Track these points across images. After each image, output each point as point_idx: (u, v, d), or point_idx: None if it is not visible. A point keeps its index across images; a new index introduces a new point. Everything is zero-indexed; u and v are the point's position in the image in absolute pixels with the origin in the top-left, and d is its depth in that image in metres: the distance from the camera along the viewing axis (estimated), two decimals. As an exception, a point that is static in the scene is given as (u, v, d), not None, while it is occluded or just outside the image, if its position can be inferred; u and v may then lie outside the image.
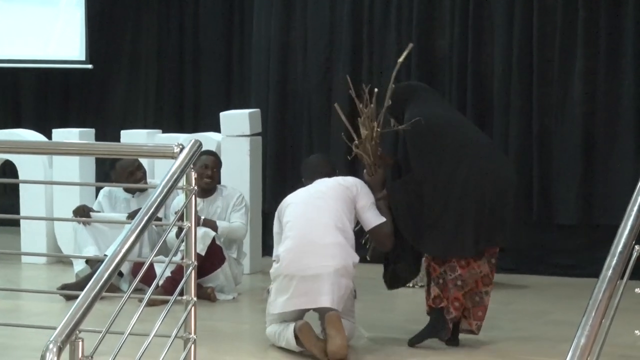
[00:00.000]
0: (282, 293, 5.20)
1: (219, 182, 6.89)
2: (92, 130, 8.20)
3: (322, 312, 5.18)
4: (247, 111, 7.80)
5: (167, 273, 6.39)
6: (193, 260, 3.48)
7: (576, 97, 7.56)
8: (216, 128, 7.87)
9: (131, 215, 6.72)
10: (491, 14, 7.83)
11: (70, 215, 7.06)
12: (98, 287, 2.68)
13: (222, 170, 6.93)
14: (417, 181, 5.27)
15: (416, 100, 5.44)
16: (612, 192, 7.45)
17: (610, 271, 2.65)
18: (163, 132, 8.30)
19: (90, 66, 9.35)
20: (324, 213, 5.24)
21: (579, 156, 7.56)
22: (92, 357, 2.59)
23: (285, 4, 8.54)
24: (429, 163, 5.27)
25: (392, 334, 5.60)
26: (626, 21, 7.49)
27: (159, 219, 6.61)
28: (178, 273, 6.23)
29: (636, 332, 3.21)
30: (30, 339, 4.72)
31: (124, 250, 2.88)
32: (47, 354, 2.39)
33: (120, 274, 6.76)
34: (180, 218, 3.49)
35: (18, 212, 7.90)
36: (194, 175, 3.46)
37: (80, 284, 6.25)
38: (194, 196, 3.45)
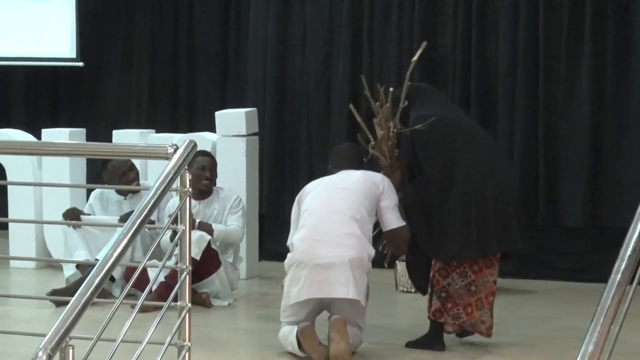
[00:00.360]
0: (295, 283, 5.22)
1: (215, 184, 6.90)
2: (83, 130, 8.20)
3: (332, 311, 5.20)
4: (243, 110, 7.80)
5: (161, 278, 6.39)
6: (188, 264, 3.48)
7: (583, 95, 7.56)
8: (211, 128, 7.86)
9: (123, 218, 6.72)
10: (495, 10, 7.83)
11: (60, 218, 7.06)
12: (89, 292, 2.68)
13: (218, 172, 6.93)
14: (427, 183, 5.33)
15: (420, 100, 5.49)
16: (620, 193, 7.46)
17: (619, 275, 2.65)
18: (156, 131, 8.30)
19: (81, 64, 9.35)
20: (344, 204, 5.27)
21: (586, 156, 7.56)
22: (83, 365, 2.59)
23: (283, -1, 8.55)
24: (435, 163, 5.34)
25: (393, 340, 5.61)
26: (635, 17, 7.49)
27: (153, 222, 6.60)
28: (172, 278, 6.22)
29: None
30: (19, 346, 4.72)
31: (116, 255, 2.88)
32: (37, 361, 2.39)
33: (112, 279, 6.76)
34: (175, 221, 3.49)
35: (6, 215, 7.90)
36: (188, 176, 3.46)
37: (70, 290, 6.25)
38: (188, 198, 3.45)
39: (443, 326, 5.37)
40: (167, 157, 3.41)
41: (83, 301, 2.64)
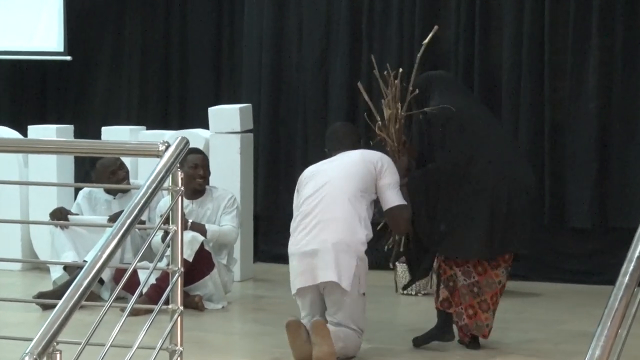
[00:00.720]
0: (292, 273, 5.40)
1: (208, 183, 6.90)
2: (70, 127, 8.19)
3: (327, 304, 5.27)
4: (237, 106, 7.80)
5: (152, 280, 6.39)
6: (180, 266, 3.48)
7: (590, 91, 7.56)
8: (204, 124, 7.87)
9: (113, 218, 6.72)
10: (500, 2, 7.83)
11: (47, 218, 7.06)
12: (77, 295, 2.68)
13: (211, 170, 6.94)
14: (437, 173, 5.39)
15: (440, 90, 5.57)
16: (629, 193, 7.46)
17: (627, 277, 2.65)
18: (147, 128, 8.29)
19: (69, 58, 9.33)
20: (337, 188, 5.35)
21: (594, 154, 7.56)
22: (70, 370, 2.59)
23: (279, -10, 8.55)
24: (450, 156, 5.40)
25: (392, 344, 5.61)
26: (644, 9, 7.50)
27: (143, 222, 6.60)
28: (163, 280, 6.22)
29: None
30: (4, 352, 4.71)
31: (105, 256, 2.88)
32: (23, 367, 2.39)
33: (101, 282, 6.76)
34: (166, 221, 3.49)
35: (-9, 215, 7.90)
36: (180, 175, 3.46)
37: (57, 292, 6.24)
38: (180, 197, 3.45)
39: (452, 316, 5.42)
40: (159, 155, 3.42)
41: (71, 304, 2.64)
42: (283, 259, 5.95)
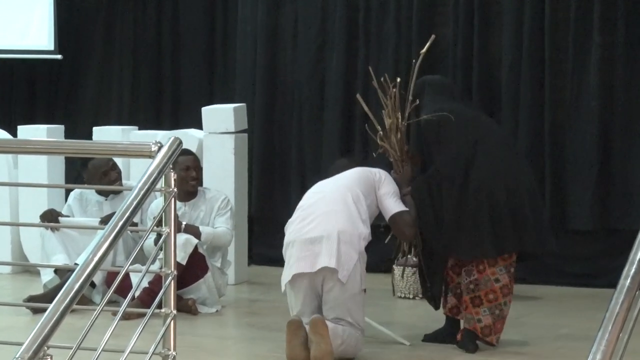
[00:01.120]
0: (287, 263, 5.41)
1: (201, 184, 6.91)
2: (61, 127, 8.19)
3: (324, 300, 5.26)
4: (231, 106, 7.80)
5: (144, 284, 6.39)
6: (173, 269, 3.48)
7: (592, 89, 7.57)
8: (198, 124, 7.87)
9: (104, 220, 6.72)
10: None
11: (37, 219, 7.05)
12: (68, 299, 2.68)
13: (205, 171, 6.95)
14: (438, 177, 5.51)
15: (431, 96, 5.68)
16: (631, 194, 7.47)
17: (628, 280, 2.66)
18: (139, 128, 8.29)
19: (59, 56, 9.34)
20: (342, 188, 5.50)
21: (595, 154, 7.57)
22: (61, 375, 2.59)
23: (274, -14, 8.55)
24: (450, 159, 5.52)
25: (392, 347, 5.62)
26: (646, 7, 7.51)
27: (135, 224, 6.60)
28: (156, 284, 6.22)
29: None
30: (-6, 356, 4.71)
31: (96, 259, 2.88)
32: (13, 372, 2.40)
33: (93, 285, 6.76)
34: (159, 223, 3.49)
35: (-20, 217, 7.89)
36: (173, 176, 3.46)
37: (48, 296, 6.24)
38: (173, 199, 3.45)
39: (459, 323, 5.58)
40: (151, 156, 3.42)
41: (62, 308, 2.64)
42: (278, 261, 5.95)
